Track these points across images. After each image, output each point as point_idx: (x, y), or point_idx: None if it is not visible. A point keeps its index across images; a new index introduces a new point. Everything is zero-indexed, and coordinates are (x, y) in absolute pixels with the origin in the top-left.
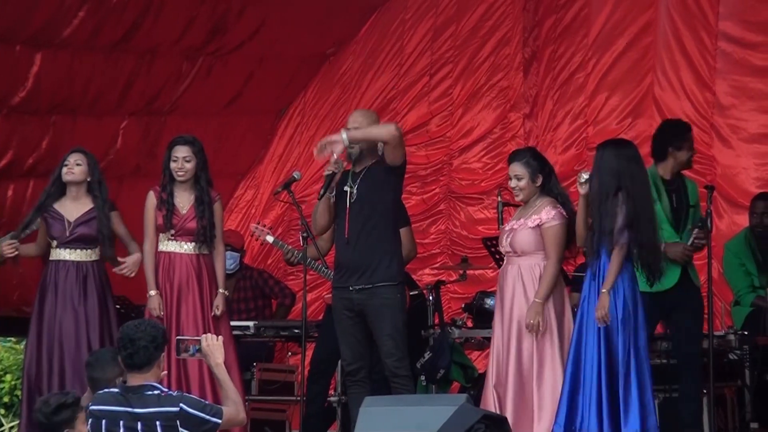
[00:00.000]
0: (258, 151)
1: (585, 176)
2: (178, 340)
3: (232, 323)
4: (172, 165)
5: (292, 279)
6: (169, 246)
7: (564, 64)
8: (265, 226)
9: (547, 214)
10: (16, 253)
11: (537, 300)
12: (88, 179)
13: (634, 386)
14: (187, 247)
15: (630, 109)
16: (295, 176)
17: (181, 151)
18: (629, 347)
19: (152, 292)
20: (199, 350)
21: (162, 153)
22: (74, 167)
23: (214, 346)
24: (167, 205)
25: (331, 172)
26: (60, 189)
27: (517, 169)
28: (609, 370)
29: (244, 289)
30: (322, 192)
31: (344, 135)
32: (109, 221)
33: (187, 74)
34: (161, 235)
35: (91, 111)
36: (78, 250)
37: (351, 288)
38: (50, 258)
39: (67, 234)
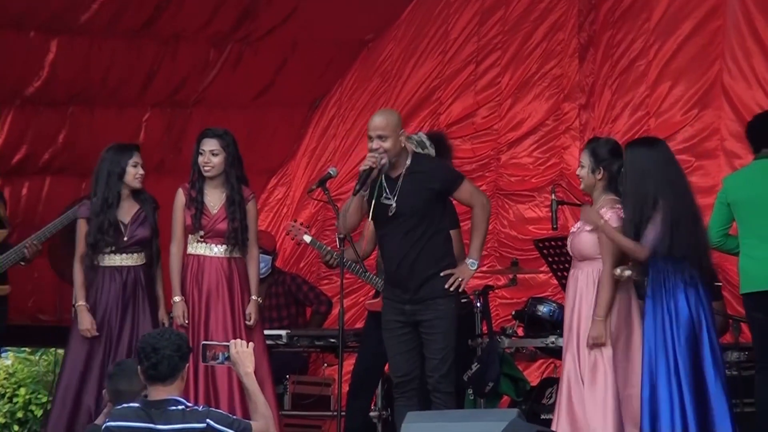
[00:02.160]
0: (290, 146)
1: (621, 273)
2: (204, 345)
3: (265, 332)
4: (199, 159)
5: (326, 284)
6: (198, 248)
7: (623, 51)
8: (302, 224)
9: (603, 215)
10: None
11: (597, 318)
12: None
13: (723, 392)
14: (217, 250)
15: (696, 99)
16: (331, 173)
17: (209, 144)
18: (718, 352)
19: (177, 299)
20: (228, 357)
21: (187, 148)
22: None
23: (244, 354)
24: (196, 204)
25: (368, 167)
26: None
27: (583, 156)
28: (695, 375)
29: (276, 295)
30: (356, 188)
31: (474, 266)
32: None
33: (215, 63)
34: (190, 236)
35: (110, 102)
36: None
37: (403, 299)
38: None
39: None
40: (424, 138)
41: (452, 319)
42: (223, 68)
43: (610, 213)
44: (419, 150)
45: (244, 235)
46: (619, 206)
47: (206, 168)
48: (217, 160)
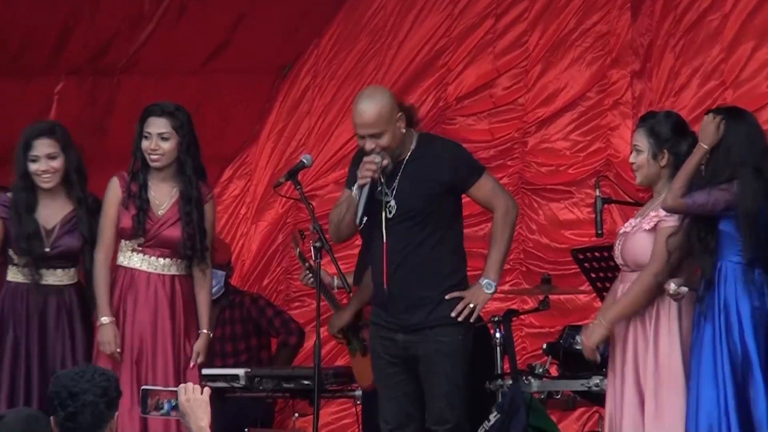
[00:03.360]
0: (251, 126)
1: (678, 289)
2: (144, 391)
3: (214, 371)
4: (143, 144)
5: (298, 308)
6: (133, 260)
7: (690, 1)
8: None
9: (662, 210)
10: None
11: (602, 322)
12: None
13: None
14: (159, 265)
15: None
16: (304, 161)
17: (157, 125)
18: None
19: (105, 320)
20: (176, 407)
21: (116, 127)
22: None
23: (197, 402)
24: (139, 202)
25: (367, 181)
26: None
27: (638, 137)
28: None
29: (231, 322)
30: (360, 215)
31: (491, 288)
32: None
33: (150, 16)
34: (122, 243)
35: (12, 69)
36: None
37: (393, 326)
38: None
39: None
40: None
41: (461, 353)
42: (162, 23)
43: None
44: None
45: (202, 245)
46: None
47: (153, 157)
48: (167, 146)
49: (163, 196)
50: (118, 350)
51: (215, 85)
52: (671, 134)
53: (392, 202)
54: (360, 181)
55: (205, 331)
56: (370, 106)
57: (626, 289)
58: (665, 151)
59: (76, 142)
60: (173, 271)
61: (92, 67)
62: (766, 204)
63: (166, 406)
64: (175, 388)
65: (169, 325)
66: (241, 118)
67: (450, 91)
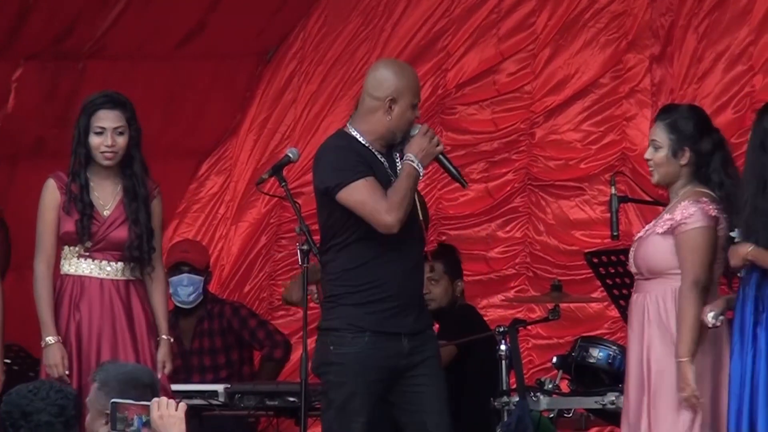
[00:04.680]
0: (230, 117)
1: (713, 317)
2: (114, 405)
3: (191, 387)
4: (95, 141)
5: (282, 317)
6: (81, 267)
7: None
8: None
9: (683, 211)
10: None
11: (681, 360)
12: None
13: None
14: (111, 270)
15: None
16: (290, 156)
17: (112, 118)
18: None
19: (51, 340)
20: (147, 423)
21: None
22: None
23: (171, 419)
24: (82, 205)
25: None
26: None
27: (657, 132)
28: None
29: (210, 333)
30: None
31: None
32: None
33: None
34: (66, 249)
35: None
36: None
37: (403, 335)
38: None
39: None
40: None
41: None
42: (131, 4)
43: (693, 209)
44: None
45: (149, 246)
46: (707, 200)
47: (108, 154)
48: (122, 142)
49: (106, 195)
50: (67, 372)
51: (190, 72)
52: (694, 131)
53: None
54: (439, 147)
55: (164, 337)
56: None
57: (675, 316)
58: (686, 148)
59: (36, 135)
60: (127, 275)
61: (54, 51)
62: None
63: (136, 423)
64: (147, 403)
65: (128, 335)
66: (219, 109)
67: (450, 77)
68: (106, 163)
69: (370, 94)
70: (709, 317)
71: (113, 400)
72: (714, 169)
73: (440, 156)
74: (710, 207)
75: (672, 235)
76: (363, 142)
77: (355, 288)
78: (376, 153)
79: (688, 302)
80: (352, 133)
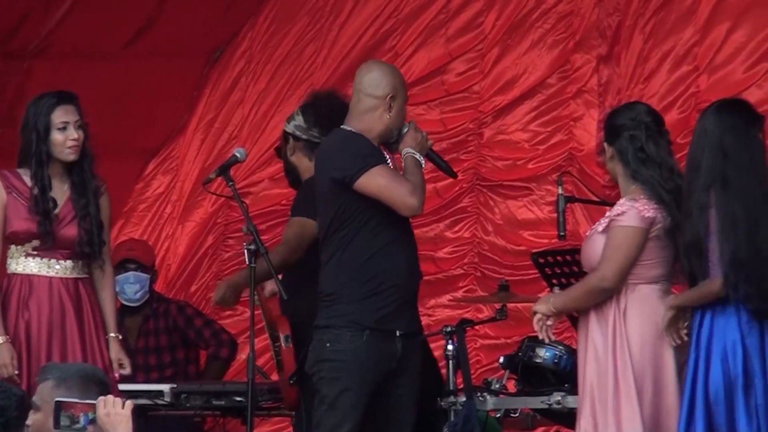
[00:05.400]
0: (178, 116)
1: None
2: (58, 403)
3: (136, 387)
4: (58, 137)
5: (229, 317)
6: (29, 265)
7: None
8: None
9: (618, 208)
10: None
11: (550, 297)
12: None
13: None
14: (60, 268)
15: (766, 48)
16: (237, 155)
17: (71, 113)
18: None
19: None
20: (93, 421)
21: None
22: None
23: (117, 417)
24: (42, 203)
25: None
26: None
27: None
28: None
29: (156, 332)
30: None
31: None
32: None
33: None
34: (14, 248)
35: None
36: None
37: (398, 334)
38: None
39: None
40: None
41: None
42: (78, 3)
43: (626, 207)
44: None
45: (99, 240)
46: (644, 199)
47: (75, 148)
48: (82, 135)
49: (58, 193)
50: (16, 372)
51: (138, 70)
52: (615, 127)
53: None
54: (430, 142)
55: (113, 335)
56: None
57: (577, 283)
58: (606, 145)
59: None
60: (76, 273)
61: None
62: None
63: (82, 420)
64: (93, 401)
65: (77, 334)
66: (166, 108)
67: None
68: (71, 157)
69: (368, 94)
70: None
71: (57, 398)
72: (651, 167)
73: (430, 150)
74: (645, 207)
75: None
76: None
77: (361, 283)
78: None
79: (585, 287)
80: (353, 131)
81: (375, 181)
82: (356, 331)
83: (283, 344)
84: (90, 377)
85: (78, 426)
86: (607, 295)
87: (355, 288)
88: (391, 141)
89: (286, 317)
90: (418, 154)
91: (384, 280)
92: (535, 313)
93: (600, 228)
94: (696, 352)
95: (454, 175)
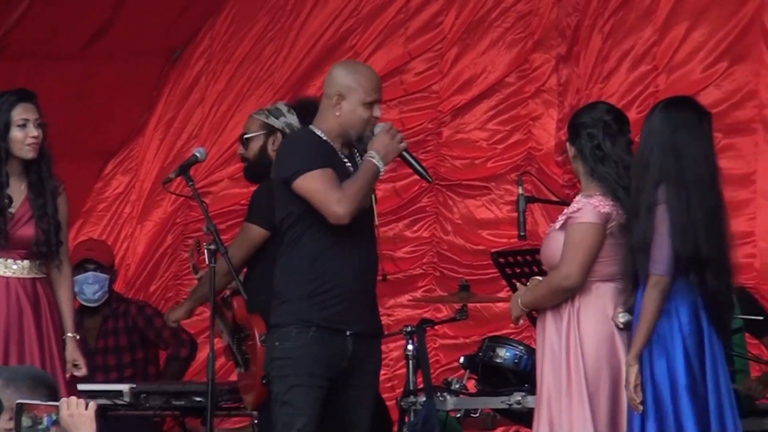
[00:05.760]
0: (137, 116)
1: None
2: (19, 405)
3: (96, 387)
4: (18, 134)
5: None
6: None
7: None
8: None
9: (574, 206)
10: None
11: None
12: None
13: None
14: (17, 268)
15: (724, 48)
16: (197, 155)
17: (30, 110)
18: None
19: None
20: (56, 422)
21: None
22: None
23: (80, 418)
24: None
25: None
26: None
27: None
28: None
29: (115, 332)
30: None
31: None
32: None
33: None
34: None
35: None
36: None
37: (348, 333)
38: None
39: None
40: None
41: None
42: (36, 2)
43: (582, 203)
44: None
45: (57, 240)
46: (599, 195)
47: (35, 145)
48: (41, 134)
49: (15, 192)
50: None
51: (96, 71)
52: (576, 126)
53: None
54: (404, 145)
55: (70, 335)
56: (374, 70)
57: (541, 281)
58: (568, 144)
59: None
60: (33, 273)
61: None
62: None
63: (46, 421)
64: (56, 403)
65: (35, 334)
66: (125, 108)
67: None
68: (30, 155)
69: (324, 92)
70: (619, 318)
71: (19, 401)
72: (609, 166)
73: (404, 153)
74: (601, 203)
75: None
76: (325, 139)
77: (306, 281)
78: (338, 152)
79: (548, 286)
80: (315, 131)
81: (308, 186)
82: (302, 328)
83: (259, 343)
84: (39, 380)
85: (41, 427)
86: (570, 294)
87: (301, 287)
88: (351, 141)
89: (260, 316)
90: (376, 158)
91: (328, 281)
92: (517, 320)
93: (557, 226)
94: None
95: (429, 180)
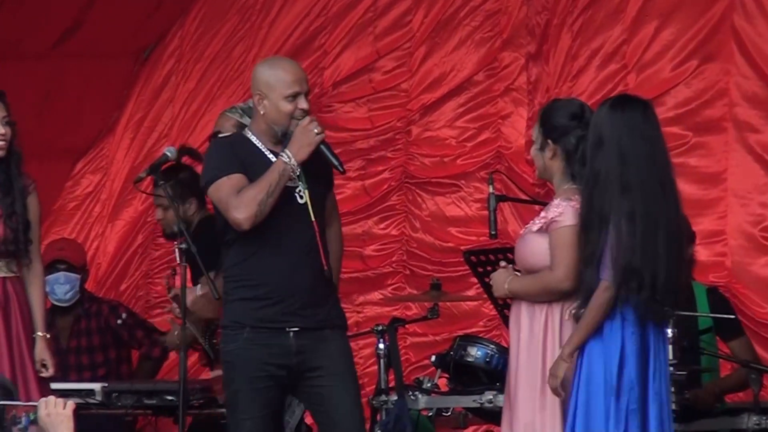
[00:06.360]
0: (107, 115)
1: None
2: (0, 407)
3: (68, 386)
4: None
5: (159, 315)
6: None
7: None
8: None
9: (554, 209)
10: None
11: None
12: None
13: None
14: None
15: (694, 46)
16: (168, 154)
17: None
18: None
19: None
20: (34, 421)
21: None
22: None
23: (58, 417)
24: None
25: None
26: None
27: (534, 128)
28: None
29: (87, 332)
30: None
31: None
32: None
33: None
34: None
35: None
36: None
37: (289, 331)
38: None
39: None
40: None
41: (352, 358)
42: (5, 2)
43: (563, 206)
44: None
45: (26, 238)
46: (578, 196)
47: (2, 143)
48: (9, 132)
49: None
50: None
51: (66, 70)
52: (560, 124)
53: (300, 187)
54: (318, 131)
55: (40, 334)
56: (296, 63)
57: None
58: (550, 142)
59: None
60: (3, 273)
61: None
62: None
63: (24, 421)
64: (34, 403)
65: (3, 335)
66: (95, 107)
67: (326, 75)
68: None
69: (251, 94)
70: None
71: (1, 402)
72: (576, 165)
73: (321, 145)
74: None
75: (546, 233)
76: (255, 142)
77: (240, 283)
78: (267, 152)
79: (543, 287)
80: (246, 133)
81: (214, 195)
82: (237, 329)
83: None
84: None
85: (20, 426)
86: (566, 296)
87: (235, 289)
88: (279, 138)
89: None
90: (288, 156)
91: (260, 283)
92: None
93: (535, 228)
94: (580, 356)
95: (341, 171)
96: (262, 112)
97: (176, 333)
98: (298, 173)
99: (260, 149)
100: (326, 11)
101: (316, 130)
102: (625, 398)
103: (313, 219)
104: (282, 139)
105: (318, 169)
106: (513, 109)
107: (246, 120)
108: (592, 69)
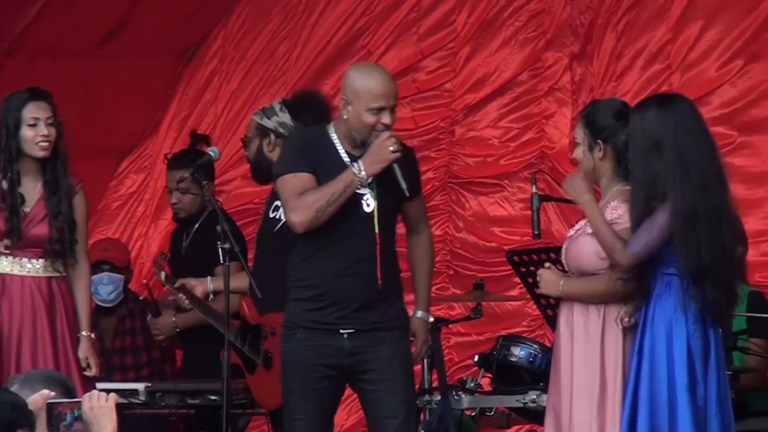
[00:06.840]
0: (150, 115)
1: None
2: (49, 405)
3: (112, 386)
4: (28, 133)
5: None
6: (1, 265)
7: None
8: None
9: (612, 212)
10: None
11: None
12: None
13: None
14: (32, 267)
15: (739, 46)
16: (211, 154)
17: (42, 109)
18: None
19: None
20: (79, 417)
21: None
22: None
23: (101, 410)
24: (9, 199)
25: (398, 151)
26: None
27: (577, 128)
28: None
29: (132, 332)
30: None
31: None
32: None
33: None
34: None
35: None
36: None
37: (343, 332)
38: None
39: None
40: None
41: (411, 359)
42: (51, 2)
43: (622, 209)
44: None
45: (71, 238)
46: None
47: (45, 144)
48: (54, 133)
49: (29, 191)
50: None
51: (111, 69)
52: (611, 122)
53: (368, 196)
54: (393, 149)
55: (84, 333)
56: (389, 76)
57: (593, 278)
58: (600, 142)
59: None
60: (49, 272)
61: None
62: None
63: (68, 417)
64: (78, 399)
65: (48, 334)
66: (139, 107)
67: None
68: (41, 154)
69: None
70: (624, 319)
71: (49, 400)
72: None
73: (394, 164)
74: None
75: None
76: (333, 139)
77: (297, 284)
78: (343, 152)
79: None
80: (329, 129)
81: (280, 189)
82: (292, 329)
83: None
84: (53, 380)
85: (65, 422)
86: (623, 298)
87: (293, 289)
88: (359, 145)
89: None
90: (356, 168)
91: (314, 284)
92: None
93: (589, 230)
94: (639, 352)
95: (407, 195)
96: (345, 117)
97: (173, 319)
98: (369, 181)
99: (336, 148)
100: (370, 11)
101: (392, 148)
102: (692, 395)
103: (377, 231)
104: (360, 146)
105: (394, 182)
106: (557, 108)
107: (265, 122)
108: (636, 69)
